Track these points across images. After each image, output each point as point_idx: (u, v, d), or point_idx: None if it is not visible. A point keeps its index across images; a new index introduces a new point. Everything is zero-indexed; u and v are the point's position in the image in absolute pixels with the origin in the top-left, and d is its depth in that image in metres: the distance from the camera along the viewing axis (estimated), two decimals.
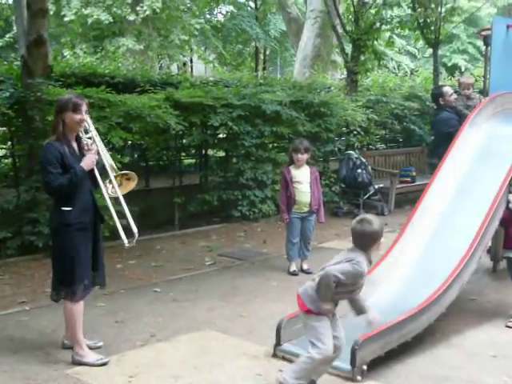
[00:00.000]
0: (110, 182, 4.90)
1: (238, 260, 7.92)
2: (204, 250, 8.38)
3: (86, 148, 4.80)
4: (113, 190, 4.90)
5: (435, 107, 9.57)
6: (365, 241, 4.07)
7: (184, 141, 10.15)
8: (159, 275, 7.22)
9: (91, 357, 4.75)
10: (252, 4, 25.69)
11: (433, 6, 13.86)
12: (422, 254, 5.91)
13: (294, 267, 7.29)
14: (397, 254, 5.87)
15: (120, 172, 4.99)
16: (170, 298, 6.39)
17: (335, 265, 4.04)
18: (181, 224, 9.48)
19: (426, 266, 5.76)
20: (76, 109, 4.69)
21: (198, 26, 18.92)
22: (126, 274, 7.29)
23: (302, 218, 7.27)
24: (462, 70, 30.92)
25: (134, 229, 4.92)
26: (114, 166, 5.02)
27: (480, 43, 23.97)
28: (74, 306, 4.78)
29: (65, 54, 18.58)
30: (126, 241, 4.87)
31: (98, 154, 4.85)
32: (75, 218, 4.67)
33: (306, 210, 7.25)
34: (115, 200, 4.99)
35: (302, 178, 7.25)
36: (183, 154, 10.86)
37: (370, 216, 4.21)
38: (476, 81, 17.94)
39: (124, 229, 4.90)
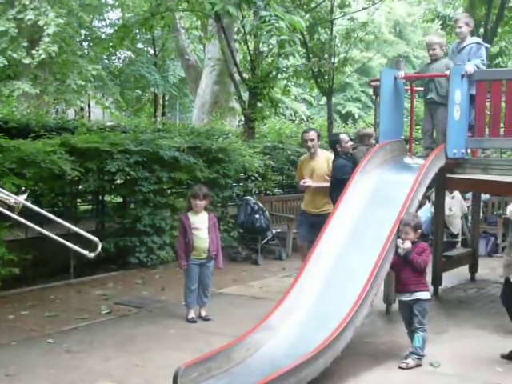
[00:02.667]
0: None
1: (135, 308, 7.79)
2: (100, 299, 8.21)
3: None
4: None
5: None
6: None
7: (80, 187, 9.96)
8: (53, 326, 7.00)
9: None
10: (151, 50, 25.77)
11: (326, 56, 14.42)
12: (317, 298, 6.01)
13: (192, 314, 7.24)
14: (293, 299, 5.94)
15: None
16: (64, 349, 6.20)
17: None
18: (76, 272, 9.24)
19: (321, 311, 5.86)
20: None
21: (94, 72, 18.76)
22: (17, 325, 7.03)
23: (201, 265, 7.26)
24: (356, 117, 32.05)
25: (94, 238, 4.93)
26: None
27: (372, 91, 24.96)
28: None
29: None
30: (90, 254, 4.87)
31: None
32: None
33: (204, 256, 7.25)
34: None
35: (201, 224, 7.27)
36: (79, 200, 10.68)
37: None
38: (368, 127, 18.66)
39: None
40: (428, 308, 6.06)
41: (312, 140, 8.45)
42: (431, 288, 7.72)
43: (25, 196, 4.88)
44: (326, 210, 8.11)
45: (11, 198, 4.77)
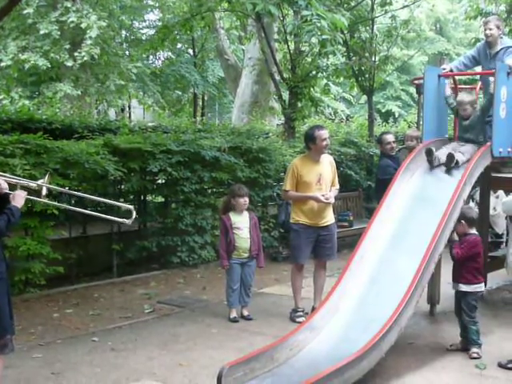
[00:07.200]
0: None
1: (178, 307, 7.84)
2: (143, 298, 8.28)
3: None
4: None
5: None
6: None
7: (122, 186, 10.07)
8: (97, 324, 7.09)
9: None
10: (190, 51, 25.90)
11: (367, 54, 14.29)
12: (360, 298, 5.98)
13: (234, 314, 7.25)
14: (336, 300, 5.91)
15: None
16: (109, 347, 6.27)
17: None
18: (119, 271, 9.35)
19: (364, 312, 5.82)
20: None
21: (135, 70, 18.99)
22: (62, 323, 7.13)
23: (242, 264, 7.28)
24: (396, 116, 31.76)
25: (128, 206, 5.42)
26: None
27: (412, 90, 24.72)
28: (1, 360, 4.60)
29: None
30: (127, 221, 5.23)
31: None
32: None
33: (245, 255, 7.27)
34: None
35: (242, 224, 7.29)
36: (122, 199, 10.76)
37: None
38: (409, 127, 18.46)
39: None
40: (474, 302, 6.12)
41: (328, 138, 7.37)
42: None
43: (45, 178, 4.99)
44: (331, 219, 7.40)
45: (33, 184, 4.92)
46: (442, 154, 7.00)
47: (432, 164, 6.96)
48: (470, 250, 6.12)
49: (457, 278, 6.17)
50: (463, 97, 7.31)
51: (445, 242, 6.11)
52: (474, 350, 5.99)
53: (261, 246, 7.49)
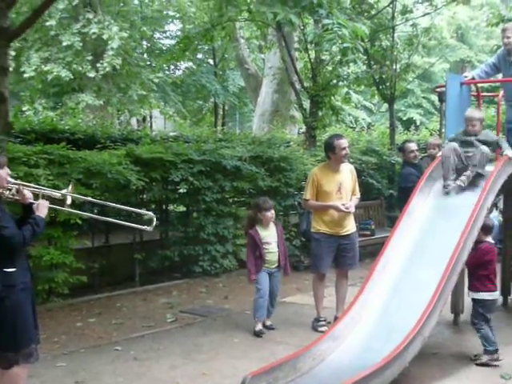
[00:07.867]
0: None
1: (200, 316, 7.85)
2: (165, 307, 8.29)
3: (15, 197, 4.53)
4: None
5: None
6: None
7: (144, 196, 10.11)
8: (120, 333, 7.12)
9: None
10: (211, 60, 26.04)
11: (388, 62, 14.25)
12: (383, 308, 5.95)
13: (260, 326, 7.05)
14: (359, 309, 5.89)
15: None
16: (132, 356, 6.29)
17: None
18: (141, 280, 9.39)
19: (387, 321, 5.79)
20: (3, 165, 4.46)
21: (156, 80, 19.15)
22: (85, 332, 7.17)
23: (270, 274, 7.20)
24: (417, 124, 31.60)
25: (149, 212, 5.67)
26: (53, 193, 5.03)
27: (434, 97, 24.60)
28: (24, 370, 4.54)
29: (23, 109, 18.54)
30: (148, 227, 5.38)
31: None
32: (19, 278, 4.40)
33: (274, 266, 7.21)
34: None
35: (271, 238, 7.21)
36: (143, 209, 10.80)
37: None
38: (431, 135, 18.35)
39: None
40: (480, 310, 6.09)
41: (348, 147, 7.29)
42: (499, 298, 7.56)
43: (69, 188, 5.06)
44: (352, 228, 7.37)
45: (57, 193, 5.00)
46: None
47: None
48: (481, 258, 6.13)
49: (468, 285, 6.25)
50: (473, 113, 6.99)
51: (468, 252, 6.05)
52: (482, 356, 6.02)
53: (287, 255, 7.47)
